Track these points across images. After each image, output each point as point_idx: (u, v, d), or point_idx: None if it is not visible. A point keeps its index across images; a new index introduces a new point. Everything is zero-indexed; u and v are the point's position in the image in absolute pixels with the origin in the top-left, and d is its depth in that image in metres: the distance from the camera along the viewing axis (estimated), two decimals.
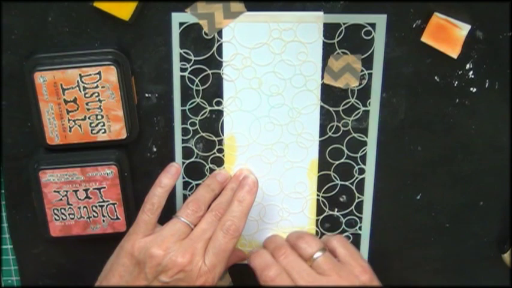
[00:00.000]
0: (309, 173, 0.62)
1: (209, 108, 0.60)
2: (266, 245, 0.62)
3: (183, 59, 0.58)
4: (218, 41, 0.58)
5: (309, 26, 0.57)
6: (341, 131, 0.61)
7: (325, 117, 0.60)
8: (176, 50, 0.58)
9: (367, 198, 0.63)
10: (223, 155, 0.62)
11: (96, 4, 0.55)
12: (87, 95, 0.57)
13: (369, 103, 0.60)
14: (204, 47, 0.58)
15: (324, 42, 0.58)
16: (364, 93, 0.59)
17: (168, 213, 0.63)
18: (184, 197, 0.63)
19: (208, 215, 0.57)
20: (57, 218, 0.61)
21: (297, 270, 0.56)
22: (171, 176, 0.57)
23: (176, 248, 0.55)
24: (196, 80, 0.59)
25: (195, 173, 0.62)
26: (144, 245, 0.55)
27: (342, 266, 0.57)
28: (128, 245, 0.56)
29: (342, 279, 0.55)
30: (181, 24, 0.57)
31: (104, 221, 0.61)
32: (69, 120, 0.57)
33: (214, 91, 0.60)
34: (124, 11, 0.55)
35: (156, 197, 0.56)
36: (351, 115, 0.60)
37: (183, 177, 0.62)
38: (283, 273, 0.56)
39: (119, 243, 0.58)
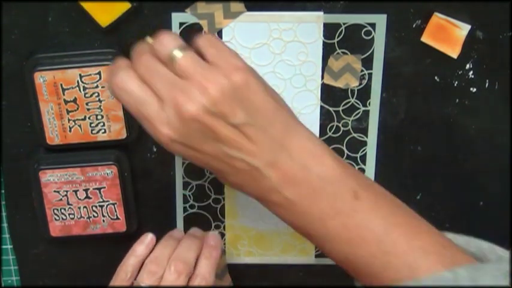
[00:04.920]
0: None
1: None
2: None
3: None
4: None
5: (309, 26, 0.57)
6: (341, 131, 0.61)
7: (325, 117, 0.60)
8: None
9: None
10: None
11: (82, 3, 0.55)
12: (87, 95, 0.57)
13: (369, 103, 0.60)
14: None
15: (324, 42, 0.58)
16: (364, 93, 0.59)
17: (168, 214, 0.63)
18: (184, 197, 0.63)
19: (167, 273, 0.56)
20: (57, 218, 0.61)
21: (156, 77, 0.46)
22: (145, 246, 0.58)
23: None
24: None
25: (194, 173, 0.62)
26: None
27: (209, 67, 0.46)
28: None
29: (208, 81, 0.45)
30: (181, 24, 0.57)
31: (104, 221, 0.61)
32: (69, 120, 0.57)
33: None
34: (104, 17, 0.55)
35: (130, 266, 0.57)
36: (351, 115, 0.60)
37: (183, 177, 0.62)
38: (133, 77, 0.47)
39: None
